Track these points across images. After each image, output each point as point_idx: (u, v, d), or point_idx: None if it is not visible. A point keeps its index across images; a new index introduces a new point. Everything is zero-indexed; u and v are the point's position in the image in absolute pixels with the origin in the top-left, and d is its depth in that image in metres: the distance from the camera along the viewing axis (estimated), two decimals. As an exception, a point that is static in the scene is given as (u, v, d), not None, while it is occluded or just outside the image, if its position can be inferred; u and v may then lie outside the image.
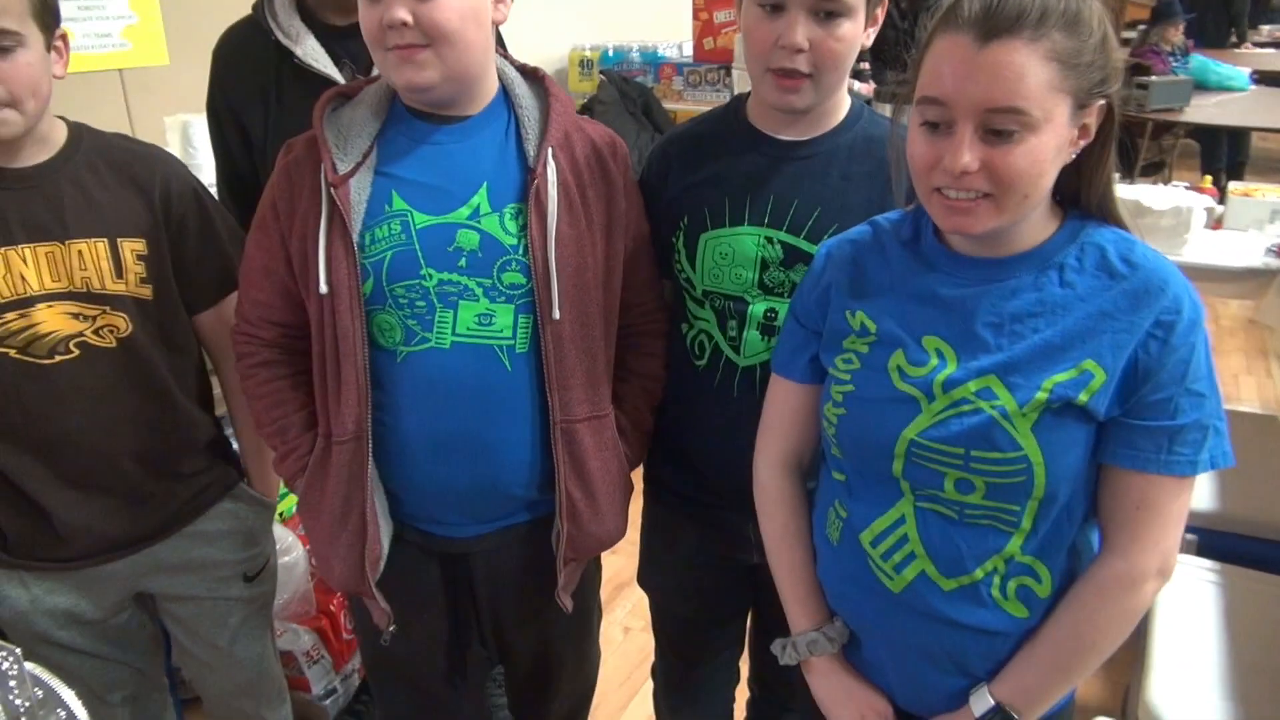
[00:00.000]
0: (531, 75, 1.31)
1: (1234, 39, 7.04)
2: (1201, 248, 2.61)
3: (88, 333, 1.27)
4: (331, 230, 1.17)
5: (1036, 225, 0.97)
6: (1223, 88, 5.07)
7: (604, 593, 2.62)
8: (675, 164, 1.34)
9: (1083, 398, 0.91)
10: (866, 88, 5.03)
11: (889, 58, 5.31)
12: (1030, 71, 0.85)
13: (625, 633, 2.49)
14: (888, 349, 1.01)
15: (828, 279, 1.09)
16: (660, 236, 1.35)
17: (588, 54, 4.08)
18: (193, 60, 2.24)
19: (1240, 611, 1.77)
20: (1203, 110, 4.74)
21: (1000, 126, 0.87)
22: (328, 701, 2.18)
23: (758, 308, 1.26)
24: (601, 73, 3.94)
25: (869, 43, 1.19)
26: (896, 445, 0.98)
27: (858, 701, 1.10)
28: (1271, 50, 7.12)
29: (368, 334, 1.20)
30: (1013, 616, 0.98)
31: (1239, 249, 2.59)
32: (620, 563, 2.63)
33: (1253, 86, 5.25)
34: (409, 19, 1.10)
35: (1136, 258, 0.94)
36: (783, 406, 1.17)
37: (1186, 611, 1.74)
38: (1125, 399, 0.92)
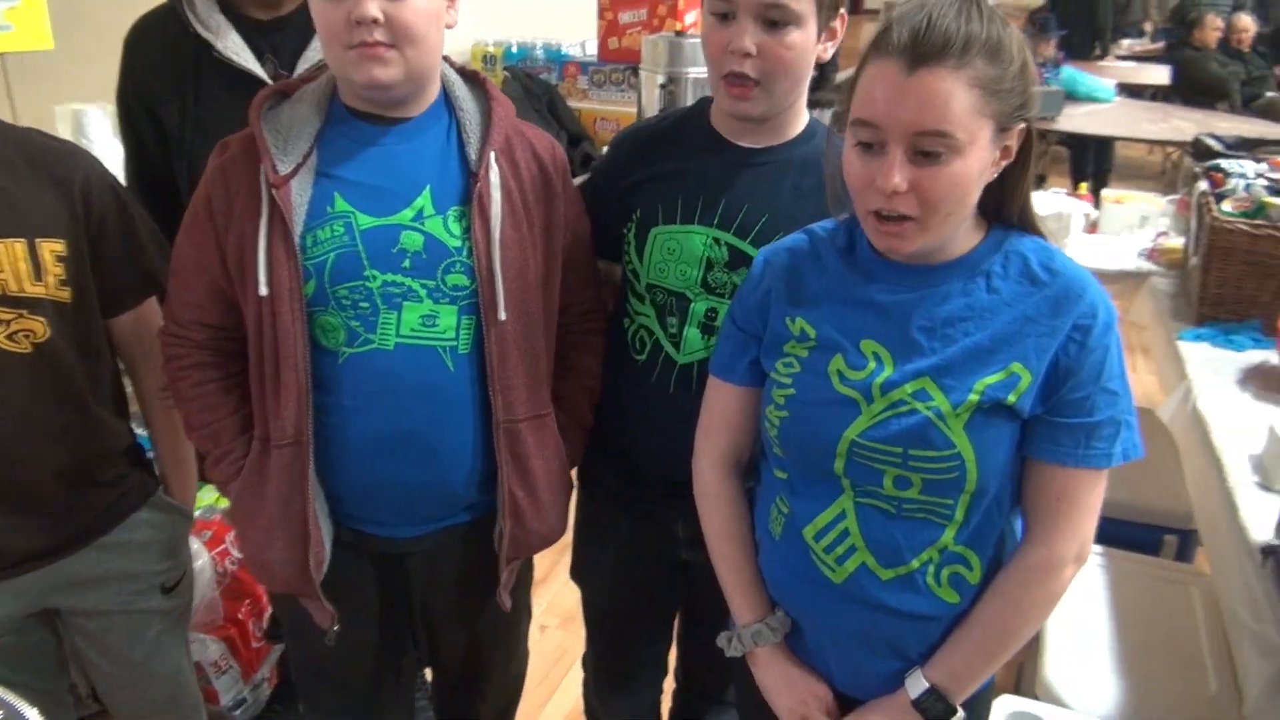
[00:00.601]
0: (471, 78, 1.31)
1: (1098, 52, 7.49)
2: (1080, 250, 2.78)
3: (1, 338, 1.21)
4: (272, 232, 1.15)
5: (964, 235, 1.03)
6: (1090, 98, 5.39)
7: (522, 591, 2.63)
8: (634, 157, 1.37)
9: (1011, 398, 0.98)
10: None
11: (824, 78, 5.46)
12: (955, 98, 0.90)
13: (542, 630, 2.50)
14: (827, 353, 1.06)
15: (766, 285, 1.14)
16: (612, 226, 1.37)
17: (491, 50, 4.04)
18: (81, 46, 2.14)
19: (1122, 591, 1.91)
20: (1074, 119, 5.03)
21: (928, 149, 0.92)
22: (237, 712, 2.12)
23: (699, 306, 1.30)
24: (505, 69, 3.90)
25: (827, 56, 1.24)
26: (838, 445, 1.04)
27: (799, 689, 1.15)
28: (1132, 63, 7.61)
29: (309, 335, 1.19)
30: (945, 602, 1.05)
31: (1113, 252, 2.78)
32: (536, 559, 2.64)
33: (1117, 98, 5.60)
34: (380, 16, 1.10)
35: (1056, 265, 1.02)
36: (722, 408, 1.21)
37: (1075, 592, 1.87)
38: (1047, 398, 1.00)
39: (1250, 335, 2.11)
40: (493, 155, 1.22)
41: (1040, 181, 5.86)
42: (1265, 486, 1.59)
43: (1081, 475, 1.01)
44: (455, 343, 1.23)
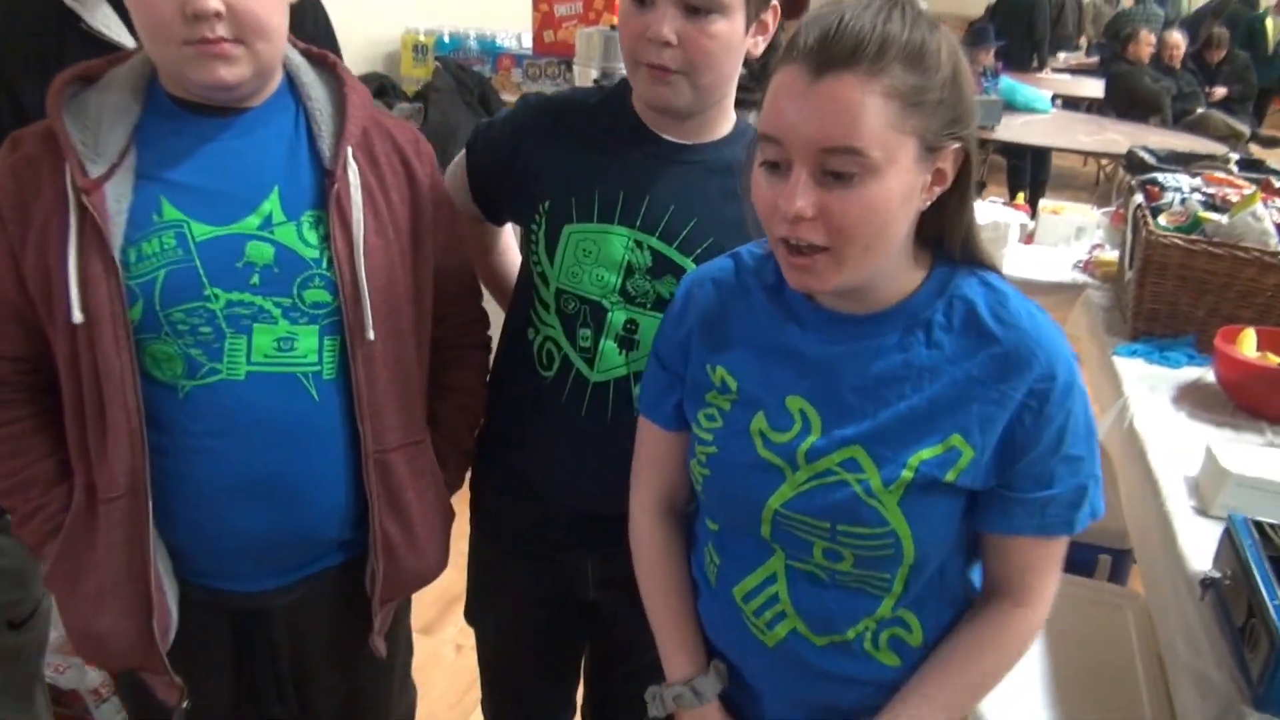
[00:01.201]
0: (320, 61, 1.16)
1: (1035, 64, 7.59)
2: (1016, 261, 2.75)
3: None
4: (84, 246, 0.98)
5: (900, 276, 0.91)
6: (1028, 109, 5.43)
7: (434, 609, 2.49)
8: (545, 127, 1.22)
9: (950, 476, 0.88)
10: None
11: (754, 72, 5.39)
12: (867, 109, 0.78)
13: (457, 650, 2.37)
14: (749, 410, 0.96)
15: (688, 325, 1.03)
16: (503, 204, 1.25)
17: (422, 39, 3.89)
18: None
19: (1056, 614, 1.84)
20: (1011, 129, 5.05)
21: (837, 169, 0.80)
22: (120, 743, 1.96)
23: (617, 316, 1.17)
24: (437, 59, 3.76)
25: (758, 51, 1.13)
26: (763, 512, 0.94)
27: None
28: (1067, 76, 7.73)
29: (138, 367, 1.02)
30: (885, 665, 0.96)
31: (1049, 263, 2.75)
32: (452, 576, 2.50)
33: (1054, 110, 5.65)
34: (222, 8, 0.95)
35: (1008, 315, 0.90)
36: (652, 450, 1.10)
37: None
38: (1000, 472, 0.90)
39: (1184, 352, 2.07)
40: (350, 150, 1.08)
41: (980, 189, 5.90)
42: (1202, 511, 1.53)
43: (1042, 544, 0.92)
44: (318, 367, 1.09)
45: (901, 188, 0.82)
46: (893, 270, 0.90)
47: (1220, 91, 7.14)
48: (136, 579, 1.07)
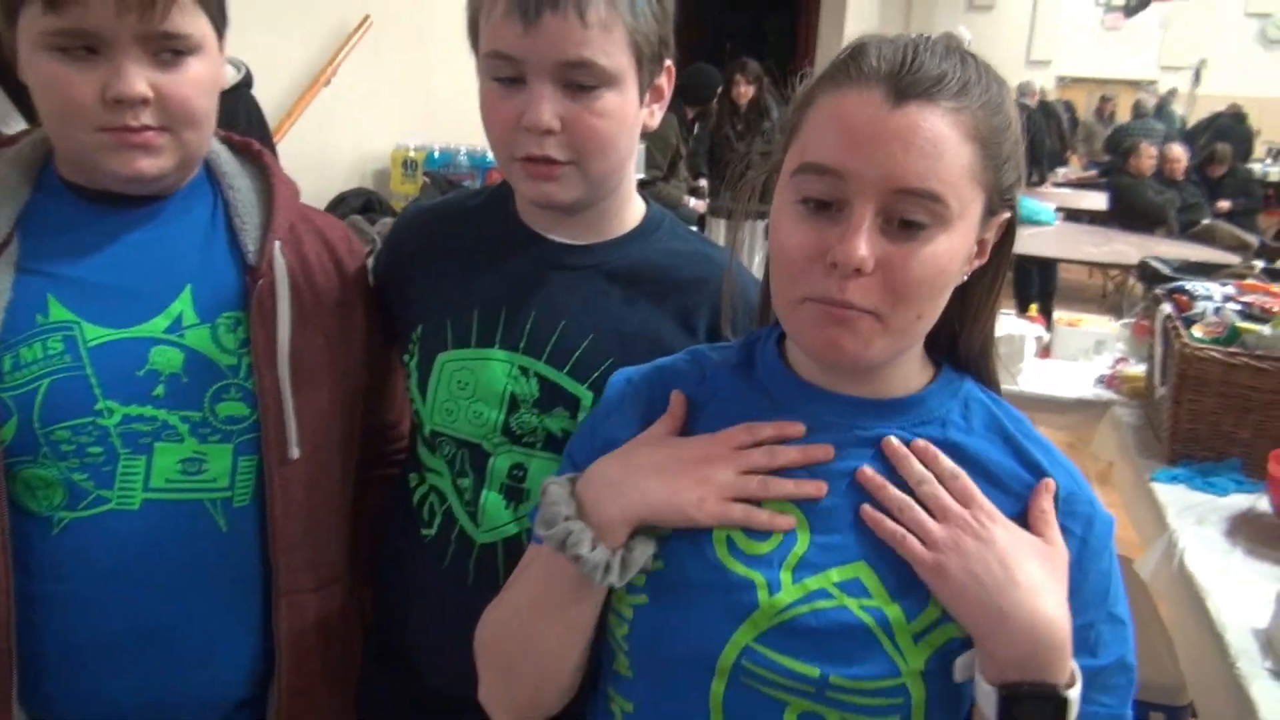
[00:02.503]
0: (243, 150, 1.03)
1: (1036, 178, 7.61)
2: (1034, 376, 2.57)
3: None
4: None
5: (913, 367, 0.76)
6: (1033, 221, 5.35)
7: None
8: (415, 245, 1.05)
9: None
10: (701, 205, 5.02)
11: (728, 178, 5.35)
12: (950, 149, 0.65)
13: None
14: None
15: (626, 418, 0.82)
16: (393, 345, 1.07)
17: (412, 154, 3.85)
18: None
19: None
20: (1019, 240, 4.91)
21: (910, 215, 0.66)
22: None
23: (501, 461, 0.97)
24: (426, 174, 3.71)
25: (654, 123, 0.96)
26: (720, 657, 0.70)
27: None
28: (1068, 190, 7.75)
29: (6, 496, 0.85)
30: None
31: (1069, 379, 2.56)
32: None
33: (1057, 221, 5.59)
34: (150, 94, 0.83)
35: (1029, 430, 0.75)
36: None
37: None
38: None
39: (1231, 477, 1.87)
40: (277, 246, 0.95)
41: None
42: (1278, 673, 1.30)
43: None
44: (229, 493, 0.93)
45: (964, 249, 0.69)
46: (911, 357, 0.75)
47: (1225, 205, 7.11)
48: None
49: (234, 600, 0.95)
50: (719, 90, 5.23)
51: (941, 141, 0.65)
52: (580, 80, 0.87)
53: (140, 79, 0.83)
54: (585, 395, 0.96)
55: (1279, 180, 9.05)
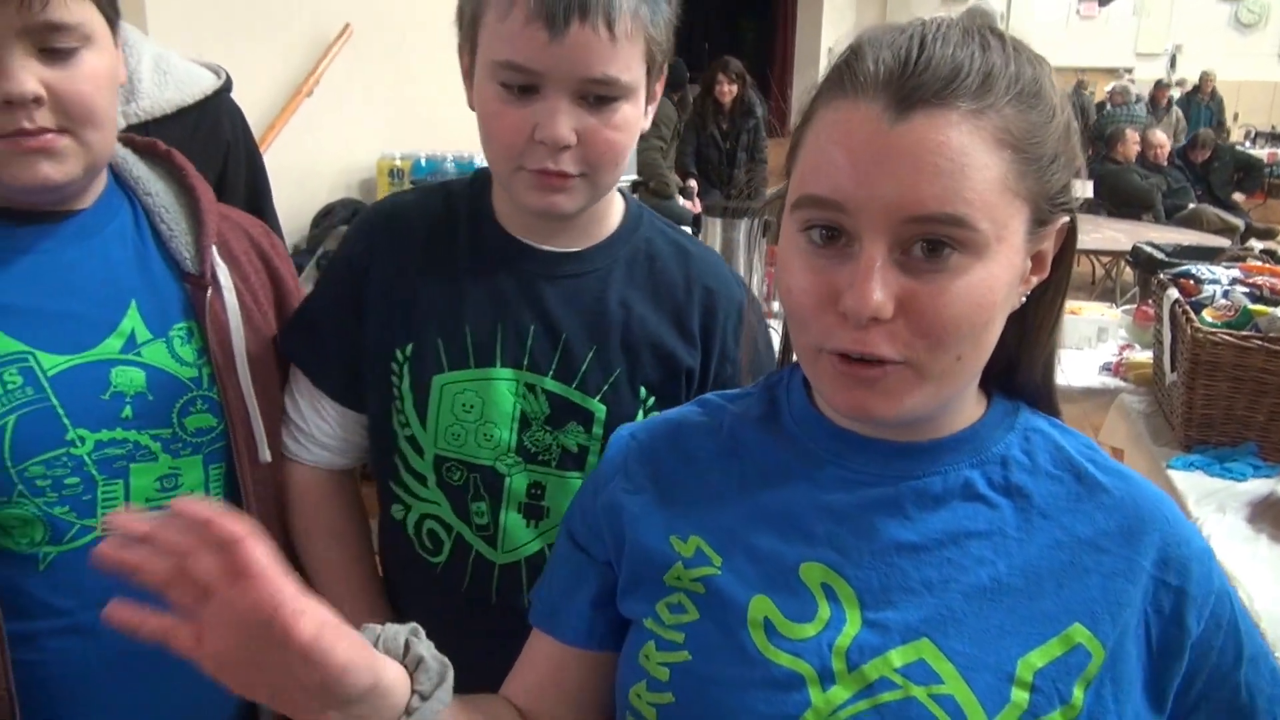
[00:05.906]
0: (149, 151, 0.98)
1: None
2: (1039, 367, 2.54)
3: None
4: None
5: (968, 401, 0.67)
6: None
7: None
8: (384, 254, 0.97)
9: (1078, 693, 0.60)
10: (694, 206, 4.98)
11: (716, 178, 5.31)
12: (974, 161, 0.55)
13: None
14: (743, 590, 0.65)
15: (631, 485, 0.72)
16: (354, 368, 0.99)
17: (398, 163, 3.79)
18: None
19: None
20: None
21: (931, 247, 0.57)
22: None
23: (517, 481, 0.94)
24: (412, 183, 3.66)
25: (647, 125, 0.93)
26: None
27: None
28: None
29: None
30: None
31: (1073, 368, 2.53)
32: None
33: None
34: (43, 93, 0.77)
35: (1105, 460, 0.67)
36: (540, 675, 0.75)
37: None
38: (1155, 693, 0.62)
39: (1249, 461, 1.84)
40: (215, 251, 0.93)
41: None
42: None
43: None
44: None
45: (1009, 274, 0.59)
46: (968, 391, 0.66)
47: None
48: None
49: None
50: (687, 77, 5.23)
51: (961, 155, 0.55)
52: (599, 94, 0.84)
53: (30, 77, 0.76)
54: (599, 409, 0.93)
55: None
